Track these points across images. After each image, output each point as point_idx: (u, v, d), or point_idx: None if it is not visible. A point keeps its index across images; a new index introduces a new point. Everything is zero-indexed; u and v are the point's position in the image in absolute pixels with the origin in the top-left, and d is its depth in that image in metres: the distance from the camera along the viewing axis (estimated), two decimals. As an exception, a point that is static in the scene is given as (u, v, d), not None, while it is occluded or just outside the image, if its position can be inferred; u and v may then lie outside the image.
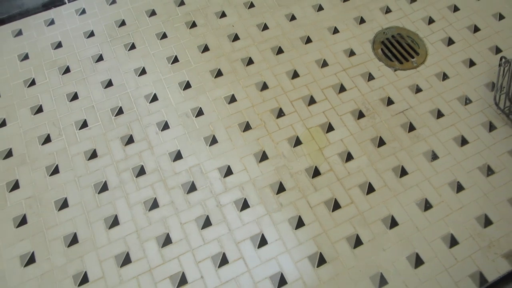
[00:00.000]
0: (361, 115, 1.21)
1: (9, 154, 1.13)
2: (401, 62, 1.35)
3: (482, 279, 0.97)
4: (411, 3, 1.45)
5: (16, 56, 1.31)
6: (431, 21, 1.41)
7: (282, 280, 0.95)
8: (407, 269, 0.97)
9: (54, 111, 1.20)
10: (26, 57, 1.31)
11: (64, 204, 1.05)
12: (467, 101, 1.24)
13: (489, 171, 1.12)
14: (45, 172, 1.10)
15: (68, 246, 1.00)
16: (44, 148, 1.14)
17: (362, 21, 1.40)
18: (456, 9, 1.43)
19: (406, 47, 1.38)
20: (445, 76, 1.29)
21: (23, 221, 1.04)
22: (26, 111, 1.20)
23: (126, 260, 0.98)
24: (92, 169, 1.09)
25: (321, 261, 0.98)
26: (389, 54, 1.36)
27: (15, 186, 1.09)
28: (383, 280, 0.96)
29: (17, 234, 1.02)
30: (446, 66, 1.31)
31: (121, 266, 0.97)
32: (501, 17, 1.40)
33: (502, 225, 1.03)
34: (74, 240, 1.01)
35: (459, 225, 1.03)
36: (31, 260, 0.99)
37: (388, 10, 1.43)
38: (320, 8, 1.42)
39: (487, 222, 1.05)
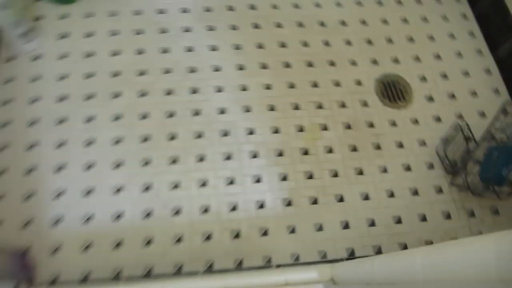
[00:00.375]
0: (348, 127, 1.84)
1: (116, 74, 1.80)
2: (390, 101, 1.97)
3: (379, 250, 1.62)
4: (415, 60, 2.06)
5: (132, 11, 1.96)
6: (423, 79, 2.02)
7: (262, 205, 1.62)
8: (337, 228, 1.63)
9: (152, 56, 1.85)
10: (138, 13, 1.96)
11: (145, 115, 1.72)
12: (423, 144, 1.86)
13: (415, 193, 1.76)
14: (137, 94, 1.77)
15: (140, 143, 1.67)
16: (141, 78, 1.80)
17: (375, 62, 2.02)
18: (445, 77, 2.04)
19: (398, 92, 2.00)
20: (416, 122, 1.91)
21: (119, 117, 1.71)
22: (133, 52, 1.86)
23: (174, 161, 1.65)
24: (168, 101, 1.76)
25: (289, 204, 1.64)
26: (384, 92, 1.99)
27: (117, 95, 1.75)
28: (320, 228, 1.62)
29: (113, 127, 1.69)
30: (420, 116, 1.92)
31: (169, 164, 1.64)
32: (474, 95, 2.01)
33: (407, 226, 1.67)
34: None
35: (381, 216, 1.68)
36: (119, 142, 1.66)
37: (396, 61, 2.04)
38: (349, 43, 2.04)
39: (398, 221, 1.69)
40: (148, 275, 1.45)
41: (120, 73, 1.80)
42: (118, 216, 1.55)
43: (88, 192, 1.57)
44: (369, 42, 2.06)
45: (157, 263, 1.48)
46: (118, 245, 1.50)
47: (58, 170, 1.60)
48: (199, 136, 1.71)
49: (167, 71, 1.83)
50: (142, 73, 1.81)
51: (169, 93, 1.79)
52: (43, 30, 1.85)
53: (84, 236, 1.51)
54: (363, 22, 2.10)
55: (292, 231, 1.59)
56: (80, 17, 1.91)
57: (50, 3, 1.89)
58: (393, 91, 1.99)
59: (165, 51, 1.88)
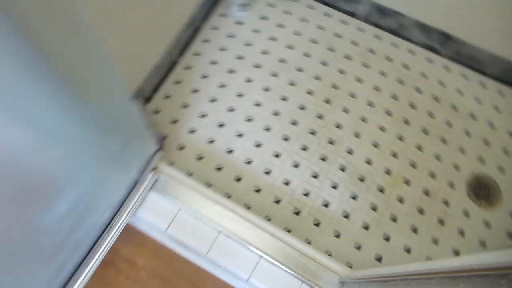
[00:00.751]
0: (426, 193, 2.11)
1: (282, 61, 2.31)
2: (475, 197, 2.17)
3: None
4: (518, 180, 2.21)
5: (317, 24, 2.46)
6: (516, 197, 2.17)
7: (326, 205, 1.99)
8: (371, 256, 1.93)
9: (312, 62, 2.33)
10: (321, 28, 2.45)
11: (284, 98, 2.20)
12: (483, 244, 2.04)
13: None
14: (287, 82, 2.26)
15: (270, 114, 2.15)
16: (296, 73, 2.28)
17: (481, 160, 2.23)
18: (538, 207, 2.16)
19: (488, 194, 2.19)
20: (487, 225, 2.08)
21: (267, 90, 2.22)
22: (301, 52, 2.35)
23: (286, 139, 2.10)
24: (305, 98, 2.22)
25: (346, 216, 1.98)
26: (474, 187, 2.19)
27: (274, 75, 2.26)
28: (358, 247, 1.93)
29: (260, 94, 2.20)
30: (495, 223, 2.09)
31: (281, 139, 2.10)
32: (556, 235, 2.11)
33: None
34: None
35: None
36: (258, 105, 2.17)
37: (502, 169, 2.22)
38: (468, 134, 2.28)
39: (424, 283, 1.92)
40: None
41: (285, 62, 2.32)
42: (230, 152, 2.06)
43: (221, 125, 2.11)
44: (487, 142, 2.27)
45: (235, 195, 1.95)
46: (218, 169, 2.01)
47: (211, 101, 2.17)
48: (312, 133, 2.14)
49: (317, 78, 2.29)
50: (299, 70, 2.30)
51: (309, 93, 2.25)
52: (254, 8, 2.45)
53: (202, 150, 2.05)
54: (491, 125, 2.31)
55: (337, 235, 1.93)
56: (281, 11, 2.47)
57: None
58: (482, 191, 2.18)
59: (323, 63, 2.34)
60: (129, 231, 1.86)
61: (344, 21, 2.50)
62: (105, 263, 1.71)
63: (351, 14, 2.50)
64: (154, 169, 1.75)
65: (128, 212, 1.68)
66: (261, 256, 1.65)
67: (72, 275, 1.56)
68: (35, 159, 0.97)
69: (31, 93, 0.80)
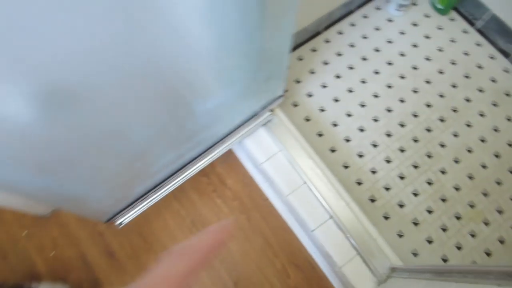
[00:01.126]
0: (502, 242, 2.18)
1: (416, 67, 2.49)
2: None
3: None
4: None
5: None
6: None
7: (401, 206, 2.17)
8: (420, 261, 2.08)
9: (439, 82, 2.48)
10: (466, 54, 2.57)
11: (402, 100, 2.40)
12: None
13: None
14: (411, 89, 2.44)
15: (383, 110, 2.37)
16: (423, 84, 2.46)
17: None
18: None
19: None
20: (551, 298, 2.12)
21: (390, 86, 2.43)
22: (436, 69, 2.51)
23: (388, 135, 2.31)
24: (421, 109, 2.39)
25: (415, 224, 2.16)
26: (553, 259, 2.21)
27: (402, 77, 2.46)
28: (415, 255, 2.10)
29: (382, 89, 2.43)
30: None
31: (383, 134, 2.31)
32: None
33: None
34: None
35: None
36: (375, 96, 2.40)
37: None
38: None
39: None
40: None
41: (417, 69, 2.49)
42: (335, 125, 2.32)
43: (336, 100, 2.38)
44: None
45: (325, 162, 2.22)
46: (319, 135, 2.29)
47: (336, 77, 2.44)
48: (415, 140, 2.32)
49: (441, 95, 2.44)
50: (427, 81, 2.46)
51: (428, 105, 2.41)
52: (410, 12, 2.65)
53: (311, 114, 2.34)
54: None
55: (400, 235, 2.12)
56: (433, 25, 2.63)
57: (431, 7, 2.67)
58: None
59: (453, 85, 2.47)
60: (230, 154, 2.23)
61: (493, 56, 2.59)
62: (203, 172, 2.09)
63: (504, 53, 2.58)
64: (271, 110, 2.08)
65: (239, 136, 2.00)
66: (331, 216, 1.91)
67: (182, 167, 1.91)
68: (211, 60, 1.19)
69: (234, 5, 1.01)
